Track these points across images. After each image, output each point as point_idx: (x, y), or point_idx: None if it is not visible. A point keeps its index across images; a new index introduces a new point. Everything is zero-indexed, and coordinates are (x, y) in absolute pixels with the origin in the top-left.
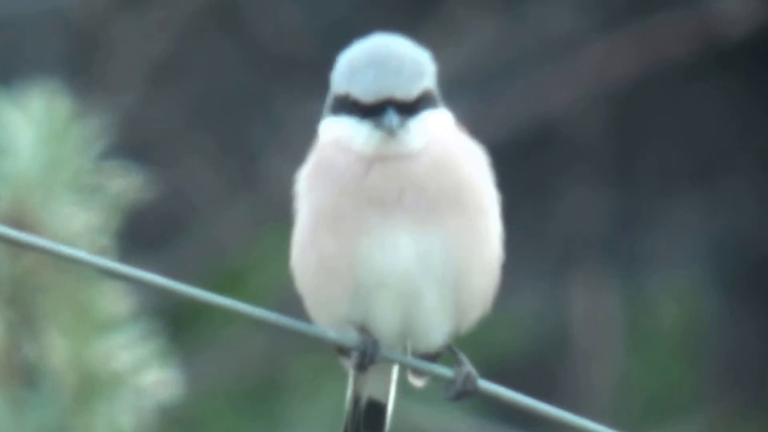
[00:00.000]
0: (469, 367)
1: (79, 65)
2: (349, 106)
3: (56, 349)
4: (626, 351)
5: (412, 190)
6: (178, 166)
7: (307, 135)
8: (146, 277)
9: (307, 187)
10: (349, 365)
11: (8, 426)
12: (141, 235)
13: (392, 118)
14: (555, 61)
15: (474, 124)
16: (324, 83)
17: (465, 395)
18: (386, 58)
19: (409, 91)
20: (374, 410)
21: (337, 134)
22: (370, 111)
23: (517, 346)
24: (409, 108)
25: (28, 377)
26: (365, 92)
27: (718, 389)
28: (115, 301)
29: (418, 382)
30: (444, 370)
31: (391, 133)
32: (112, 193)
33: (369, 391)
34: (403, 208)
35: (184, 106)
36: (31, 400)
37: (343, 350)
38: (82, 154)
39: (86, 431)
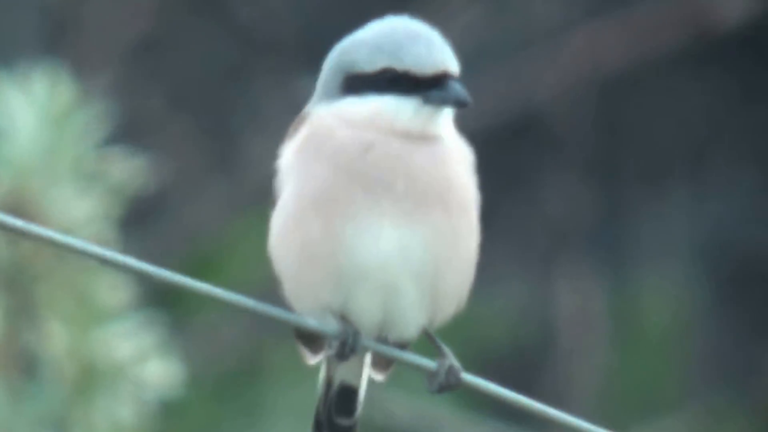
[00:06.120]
0: (452, 360)
1: (53, 43)
2: (388, 82)
3: (55, 338)
4: (611, 346)
5: (406, 178)
6: (154, 149)
7: (287, 118)
8: (144, 268)
9: (295, 162)
10: (308, 352)
11: (6, 416)
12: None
13: (458, 87)
14: (541, 48)
15: (456, 111)
16: (304, 67)
17: (448, 388)
18: (428, 33)
19: (457, 66)
20: (346, 394)
21: (371, 112)
22: (422, 85)
23: (502, 340)
24: None
25: (27, 366)
26: (422, 64)
27: (703, 386)
28: (115, 291)
29: (378, 376)
30: (427, 362)
31: (461, 103)
32: (114, 181)
33: (341, 375)
34: (393, 196)
35: (161, 86)
36: (30, 389)
37: (304, 336)
38: (83, 140)
39: (85, 423)
